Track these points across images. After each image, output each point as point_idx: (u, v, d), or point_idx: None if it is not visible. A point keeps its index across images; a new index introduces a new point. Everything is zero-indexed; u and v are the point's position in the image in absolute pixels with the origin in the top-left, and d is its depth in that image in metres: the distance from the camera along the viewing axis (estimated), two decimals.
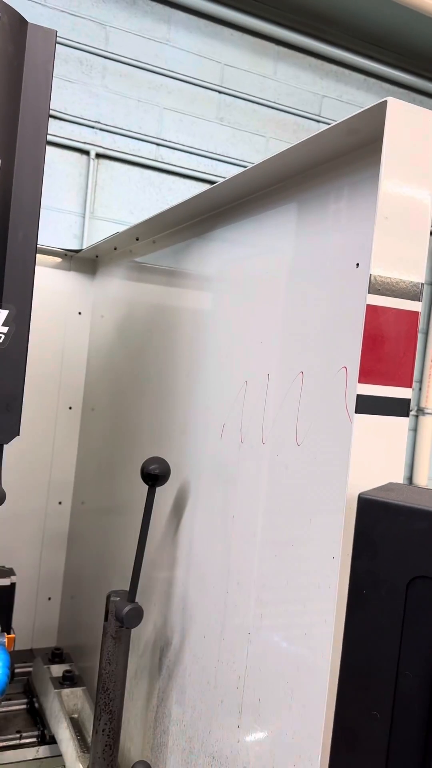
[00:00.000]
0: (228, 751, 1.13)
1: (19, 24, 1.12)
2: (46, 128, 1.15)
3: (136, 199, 3.08)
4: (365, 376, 0.77)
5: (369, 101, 3.73)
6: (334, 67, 3.63)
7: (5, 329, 1.10)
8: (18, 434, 1.14)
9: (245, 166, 1.08)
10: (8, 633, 1.65)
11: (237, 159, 3.35)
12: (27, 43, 1.13)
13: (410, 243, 0.78)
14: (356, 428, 0.77)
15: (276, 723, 1.00)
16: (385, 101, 0.76)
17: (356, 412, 0.77)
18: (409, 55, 3.76)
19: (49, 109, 1.15)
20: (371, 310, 0.76)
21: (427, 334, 4.22)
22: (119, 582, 1.71)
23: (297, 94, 3.52)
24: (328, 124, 3.51)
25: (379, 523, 0.63)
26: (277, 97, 3.47)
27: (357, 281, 0.87)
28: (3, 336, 1.09)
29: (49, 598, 2.21)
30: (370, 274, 0.76)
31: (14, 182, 1.12)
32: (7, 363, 1.09)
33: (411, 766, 0.60)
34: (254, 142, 3.42)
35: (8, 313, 1.10)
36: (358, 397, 0.77)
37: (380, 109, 0.77)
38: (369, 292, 0.76)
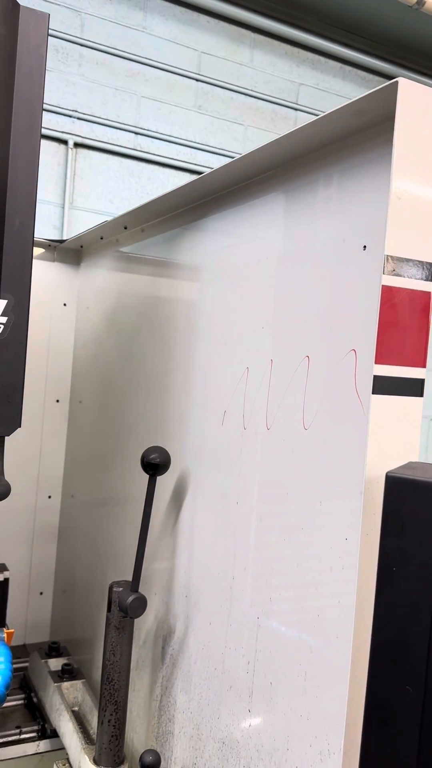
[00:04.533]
0: (238, 735, 1.13)
1: (11, 6, 1.09)
2: (40, 114, 1.13)
3: (115, 189, 3.06)
4: (382, 357, 0.77)
5: (345, 89, 3.75)
6: (310, 55, 3.64)
7: (4, 319, 1.08)
8: (20, 425, 1.12)
9: (224, 155, 1.08)
10: (4, 628, 1.63)
11: (216, 147, 3.34)
12: (20, 27, 1.11)
13: (423, 223, 0.79)
14: (374, 409, 0.78)
15: (289, 705, 1.01)
16: (396, 81, 0.76)
17: (373, 393, 0.77)
18: (384, 43, 3.79)
19: (43, 94, 1.13)
20: (386, 291, 0.77)
21: None
22: (114, 574, 1.70)
23: (274, 82, 3.52)
24: (306, 112, 3.52)
25: (408, 501, 0.63)
26: (255, 85, 3.47)
27: (364, 264, 0.87)
28: (2, 326, 1.07)
29: (41, 593, 2.19)
30: (386, 255, 0.76)
31: (9, 169, 1.10)
32: (7, 354, 1.08)
33: None
34: (233, 131, 3.42)
35: (7, 303, 1.08)
36: (375, 378, 0.77)
37: (391, 90, 0.77)
38: (384, 273, 0.76)
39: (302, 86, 3.60)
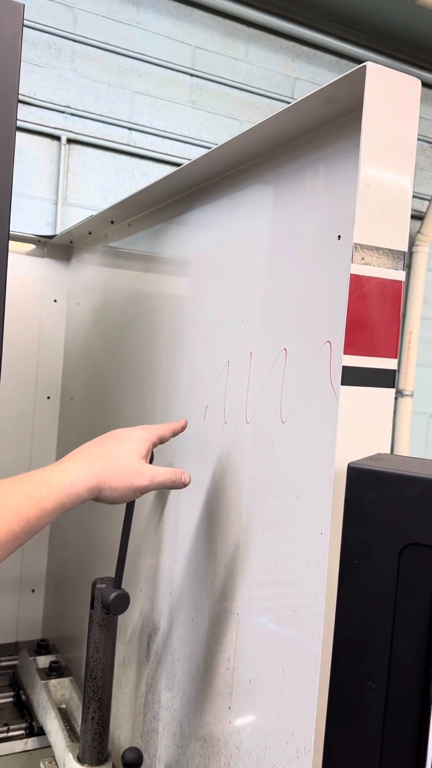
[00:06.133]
0: (219, 733, 1.12)
1: None
2: (16, 106, 1.12)
3: (109, 185, 3.04)
4: (350, 347, 0.76)
5: None
6: (305, 49, 3.62)
7: None
8: None
9: None
10: None
11: (210, 143, 3.33)
12: None
13: (393, 211, 0.77)
14: (342, 400, 0.76)
15: (267, 702, 0.99)
16: (365, 66, 0.74)
17: (342, 384, 0.76)
18: (380, 36, 3.76)
19: (19, 86, 1.12)
20: (355, 279, 0.75)
21: (404, 316, 4.25)
22: (103, 571, 1.69)
23: (269, 77, 3.50)
24: None
25: (370, 492, 0.62)
26: (250, 79, 3.44)
27: (339, 254, 0.86)
28: None
29: (33, 591, 2.18)
30: (354, 243, 0.75)
31: None
32: None
33: (407, 734, 0.60)
34: (227, 126, 3.40)
35: None
36: (344, 368, 0.76)
37: (359, 75, 0.75)
38: (352, 262, 0.75)
39: (298, 80, 3.58)
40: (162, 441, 1.05)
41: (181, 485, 1.03)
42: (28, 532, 0.81)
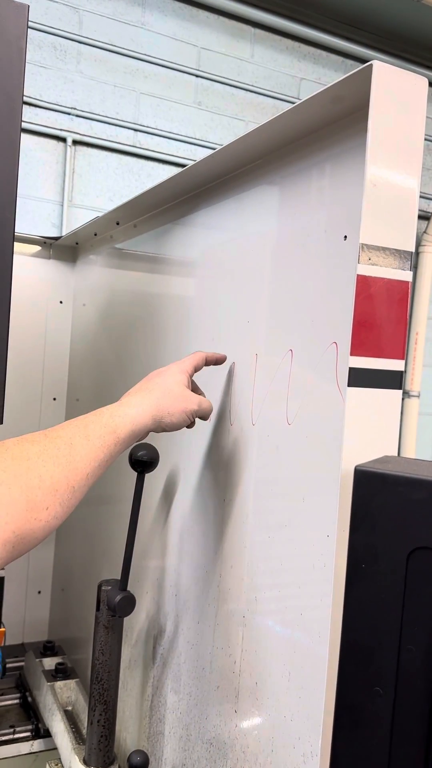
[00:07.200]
0: (226, 737, 1.12)
1: None
2: (20, 107, 1.12)
3: (115, 186, 3.04)
4: (357, 348, 0.75)
5: None
6: (311, 49, 3.61)
7: None
8: (1, 422, 1.11)
9: None
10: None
11: (216, 144, 3.32)
12: None
13: (399, 211, 0.76)
14: (349, 402, 0.76)
15: (274, 706, 0.99)
16: (371, 64, 0.74)
17: (349, 385, 0.75)
18: (386, 36, 3.74)
19: (23, 87, 1.11)
20: (361, 280, 0.74)
21: (410, 317, 4.23)
22: (109, 572, 1.69)
23: (275, 77, 3.49)
24: None
25: (377, 495, 0.61)
26: (255, 80, 3.44)
27: (345, 254, 0.85)
28: None
29: (39, 592, 2.19)
30: (361, 243, 0.74)
31: None
32: None
33: (415, 740, 0.59)
34: (233, 126, 3.39)
35: None
36: (351, 370, 0.75)
37: (366, 73, 0.75)
38: (359, 262, 0.74)
39: (303, 81, 3.57)
40: (197, 369, 1.11)
41: (209, 416, 1.12)
42: (109, 460, 0.89)
